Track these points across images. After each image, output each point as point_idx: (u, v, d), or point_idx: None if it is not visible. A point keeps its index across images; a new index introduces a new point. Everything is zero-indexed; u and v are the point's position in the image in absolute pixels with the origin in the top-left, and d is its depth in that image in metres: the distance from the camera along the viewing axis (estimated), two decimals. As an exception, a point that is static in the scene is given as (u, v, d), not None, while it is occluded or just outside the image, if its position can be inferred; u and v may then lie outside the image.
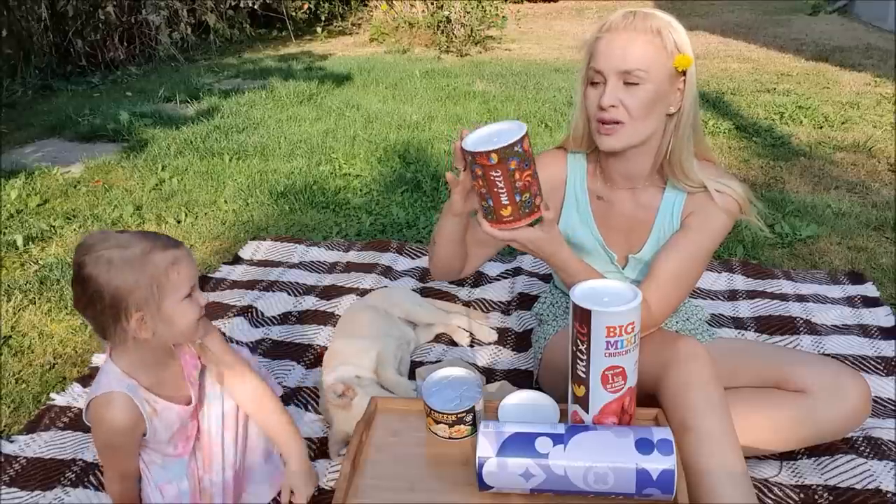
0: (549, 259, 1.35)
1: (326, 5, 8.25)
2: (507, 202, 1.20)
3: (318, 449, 1.65)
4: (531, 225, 1.26)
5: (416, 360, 1.97)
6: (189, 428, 1.35)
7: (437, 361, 1.95)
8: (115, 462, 1.29)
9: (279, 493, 1.46)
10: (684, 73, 1.41)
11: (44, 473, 1.58)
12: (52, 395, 1.84)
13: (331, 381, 1.68)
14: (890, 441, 1.61)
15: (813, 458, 1.56)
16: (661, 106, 1.42)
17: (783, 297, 2.27)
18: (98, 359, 1.99)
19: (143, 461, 1.33)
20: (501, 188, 1.18)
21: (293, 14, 7.94)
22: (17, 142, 4.19)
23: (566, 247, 1.35)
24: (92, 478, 1.55)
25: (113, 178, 3.52)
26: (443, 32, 7.07)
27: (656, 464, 1.00)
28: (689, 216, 1.50)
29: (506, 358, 2.00)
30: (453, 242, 1.46)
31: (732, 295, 2.32)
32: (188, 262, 1.23)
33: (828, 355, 1.92)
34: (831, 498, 1.47)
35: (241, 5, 7.30)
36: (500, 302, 2.29)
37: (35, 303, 2.30)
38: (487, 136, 1.18)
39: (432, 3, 7.30)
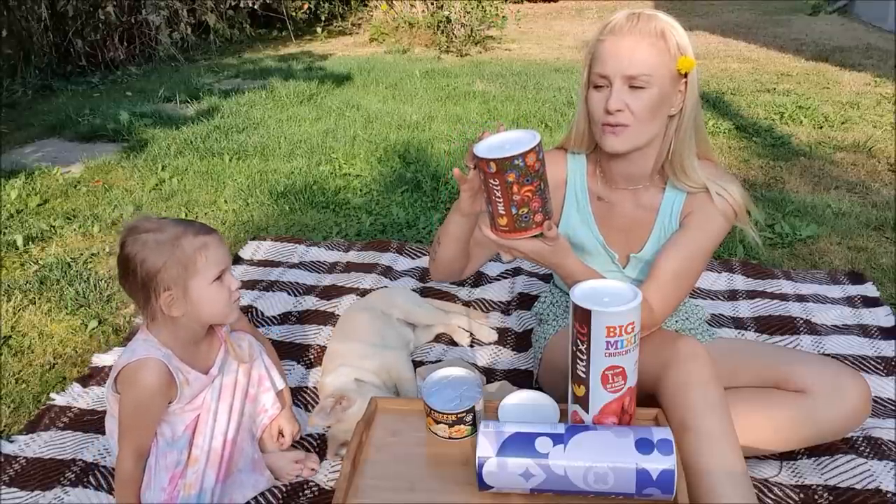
0: (554, 269, 1.34)
1: (326, 5, 8.25)
2: (503, 212, 1.19)
3: (319, 447, 1.65)
4: (533, 236, 1.24)
5: (416, 360, 1.97)
6: (202, 395, 1.42)
7: (437, 361, 1.95)
8: (135, 431, 1.33)
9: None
10: (686, 75, 1.41)
11: (43, 473, 1.58)
12: (52, 395, 1.84)
13: (324, 395, 1.68)
14: (890, 441, 1.61)
15: (813, 458, 1.56)
16: (665, 108, 1.42)
17: (783, 297, 2.27)
18: (98, 359, 1.99)
19: (155, 432, 1.37)
20: (498, 198, 1.17)
21: (293, 14, 7.94)
22: (17, 142, 4.19)
23: (572, 256, 1.33)
24: (91, 478, 1.55)
25: (113, 178, 3.52)
26: (443, 32, 7.07)
27: (656, 464, 1.00)
28: (689, 216, 1.50)
29: (506, 358, 2.00)
30: (458, 242, 1.46)
31: (732, 295, 2.32)
32: (217, 248, 1.33)
33: (828, 355, 1.92)
34: (831, 498, 1.47)
35: (241, 5, 7.30)
36: (500, 302, 2.29)
37: (35, 303, 2.30)
38: (500, 143, 1.17)
39: (432, 3, 7.30)
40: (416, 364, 1.94)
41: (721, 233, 1.49)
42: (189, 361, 1.38)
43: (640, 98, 1.38)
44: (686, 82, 1.41)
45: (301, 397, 1.83)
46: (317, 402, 1.80)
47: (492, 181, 1.15)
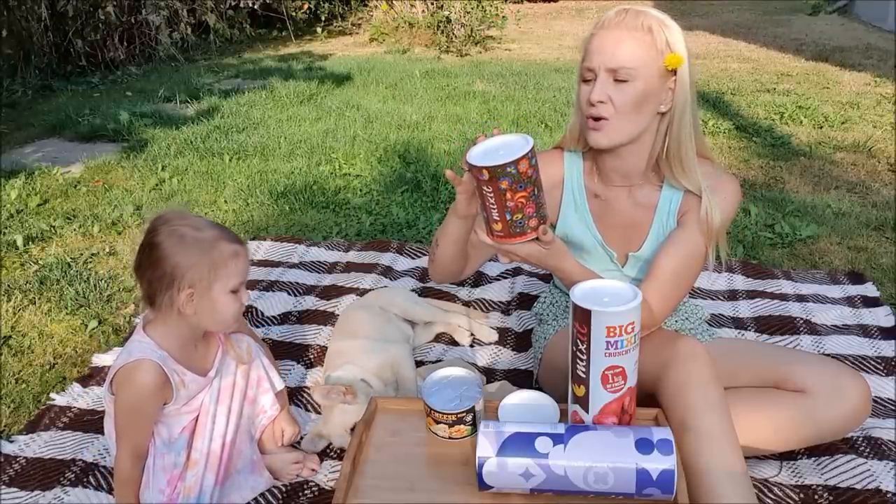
0: (552, 271, 1.35)
1: (326, 5, 8.26)
2: (497, 218, 1.19)
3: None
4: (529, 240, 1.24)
5: (417, 359, 1.97)
6: (199, 397, 1.42)
7: (437, 361, 1.95)
8: (132, 432, 1.33)
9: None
10: (675, 72, 1.40)
11: (43, 473, 1.58)
12: (52, 395, 1.84)
13: (335, 378, 1.68)
14: (890, 441, 1.61)
15: (813, 458, 1.56)
16: (651, 104, 1.41)
17: (783, 297, 2.27)
18: (98, 359, 1.99)
19: (152, 433, 1.37)
20: (492, 204, 1.17)
21: (293, 14, 7.94)
22: (17, 142, 4.19)
23: (569, 258, 1.34)
24: (91, 478, 1.55)
25: (113, 178, 3.52)
26: (443, 32, 7.07)
27: (656, 464, 1.00)
28: (687, 213, 1.49)
29: (506, 358, 2.00)
30: (456, 243, 1.46)
31: (732, 295, 2.32)
32: (245, 260, 1.35)
33: (828, 355, 1.92)
34: (831, 498, 1.47)
35: (241, 5, 7.30)
36: (500, 302, 2.29)
37: (35, 303, 2.30)
38: (494, 148, 1.17)
39: (432, 3, 7.30)
40: (417, 364, 1.94)
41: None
42: (186, 363, 1.37)
43: (624, 92, 1.38)
44: (676, 79, 1.41)
45: (301, 398, 1.83)
46: (318, 402, 1.80)
47: (485, 188, 1.16)
